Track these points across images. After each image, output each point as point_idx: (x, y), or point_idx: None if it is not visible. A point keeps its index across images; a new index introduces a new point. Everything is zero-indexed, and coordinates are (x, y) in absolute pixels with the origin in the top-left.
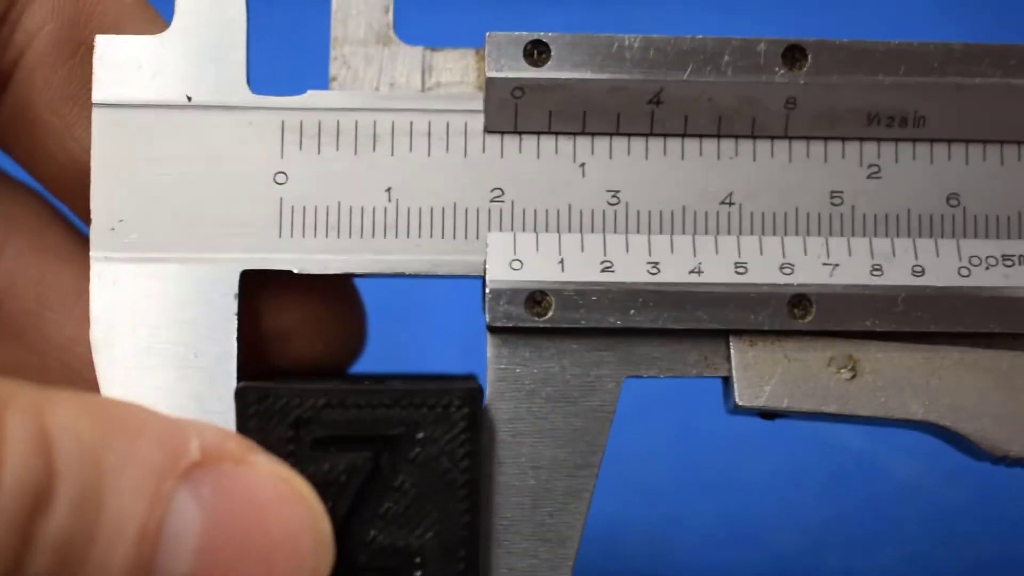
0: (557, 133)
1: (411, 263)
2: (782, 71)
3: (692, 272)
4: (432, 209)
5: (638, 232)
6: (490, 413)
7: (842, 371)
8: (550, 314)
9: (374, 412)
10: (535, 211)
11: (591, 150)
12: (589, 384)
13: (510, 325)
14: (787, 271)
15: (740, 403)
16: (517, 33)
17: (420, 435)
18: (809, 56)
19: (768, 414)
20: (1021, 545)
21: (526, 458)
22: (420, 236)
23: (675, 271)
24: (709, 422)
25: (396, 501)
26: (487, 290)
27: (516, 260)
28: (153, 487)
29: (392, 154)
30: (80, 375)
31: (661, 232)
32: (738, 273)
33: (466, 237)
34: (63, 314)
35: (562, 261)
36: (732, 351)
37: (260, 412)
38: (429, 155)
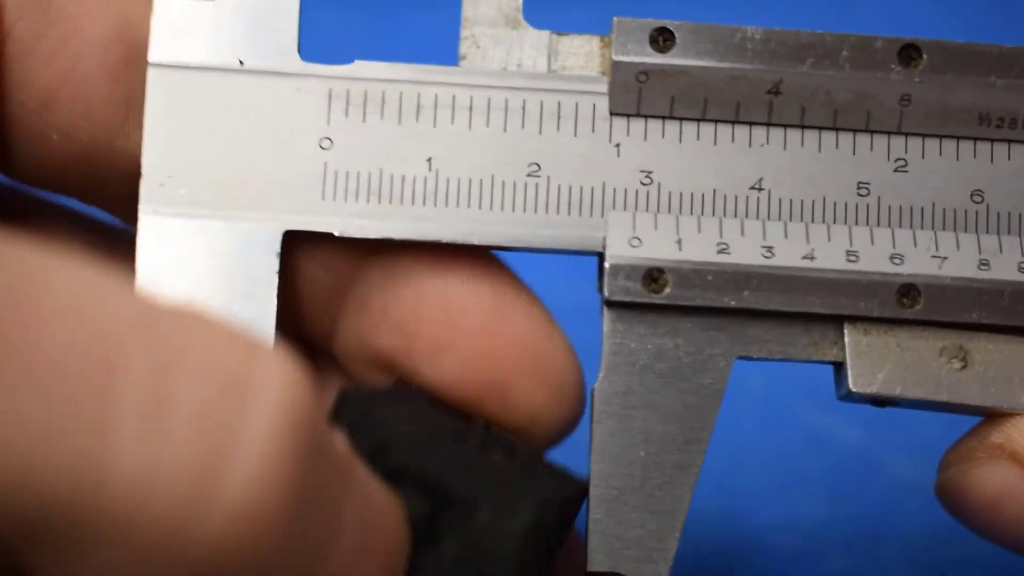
0: (680, 119)
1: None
2: (898, 68)
3: (805, 258)
4: (470, 180)
5: (746, 217)
6: (604, 387)
7: (953, 361)
8: (667, 291)
9: (452, 464)
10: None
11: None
12: (701, 362)
13: (628, 300)
14: (897, 261)
15: (854, 389)
16: (643, 20)
17: (481, 515)
18: (924, 55)
19: (879, 401)
20: None
21: (637, 431)
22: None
23: (789, 256)
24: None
25: (436, 563)
26: (607, 265)
27: (635, 238)
28: None
29: (434, 125)
30: None
31: (769, 219)
32: (849, 261)
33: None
34: None
35: (679, 241)
36: (847, 338)
37: (351, 421)
38: (470, 128)
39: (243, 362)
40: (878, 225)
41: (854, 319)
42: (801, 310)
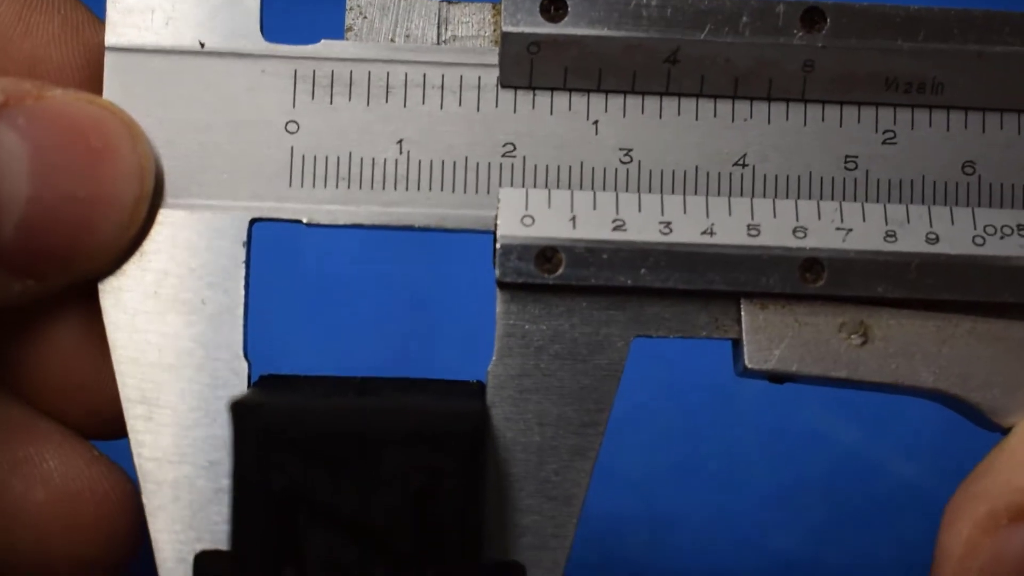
0: (571, 90)
1: (420, 216)
2: (800, 33)
3: (704, 233)
4: (443, 162)
5: (650, 192)
6: (497, 371)
7: (853, 337)
8: (560, 271)
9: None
10: (547, 167)
11: (605, 108)
12: (598, 342)
13: (520, 281)
14: (800, 235)
15: (749, 366)
16: None
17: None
18: (828, 19)
19: (777, 377)
20: None
21: (532, 414)
22: (430, 189)
23: (687, 231)
24: (708, 422)
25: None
26: (497, 245)
27: (528, 216)
28: None
29: (404, 106)
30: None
31: (673, 192)
32: (751, 235)
33: (477, 191)
34: None
35: (574, 218)
36: (743, 313)
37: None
38: (442, 108)
39: None
40: (764, 196)
41: (752, 294)
42: (700, 288)
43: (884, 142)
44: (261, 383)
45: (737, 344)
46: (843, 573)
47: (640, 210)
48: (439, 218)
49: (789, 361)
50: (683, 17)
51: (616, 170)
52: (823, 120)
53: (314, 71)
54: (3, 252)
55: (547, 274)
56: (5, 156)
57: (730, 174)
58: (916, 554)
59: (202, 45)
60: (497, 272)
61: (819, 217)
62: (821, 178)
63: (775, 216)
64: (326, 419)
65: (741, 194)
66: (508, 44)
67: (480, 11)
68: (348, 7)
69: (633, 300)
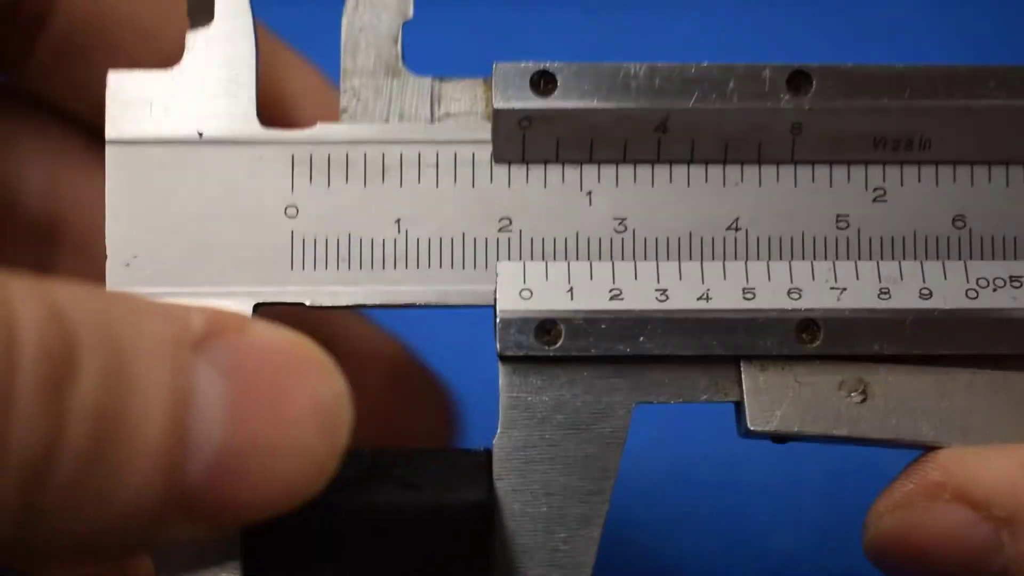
0: (564, 162)
1: (421, 294)
2: (787, 97)
3: (700, 298)
4: (441, 240)
5: (645, 259)
6: (502, 443)
7: (852, 395)
8: (560, 343)
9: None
10: (543, 240)
11: (598, 178)
12: (600, 411)
13: (521, 354)
14: (795, 296)
15: (752, 428)
16: (524, 63)
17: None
18: (814, 82)
19: (780, 437)
20: None
21: (539, 485)
22: (430, 267)
23: (683, 298)
24: (708, 423)
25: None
26: (497, 320)
27: (526, 289)
28: (173, 357)
29: (401, 185)
30: None
31: (668, 259)
32: (746, 299)
33: (475, 267)
34: None
35: (571, 290)
36: (743, 376)
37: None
38: (437, 186)
39: None
40: (758, 258)
41: (751, 357)
42: (699, 353)
43: (875, 200)
44: None
45: (739, 406)
46: (843, 573)
47: (636, 278)
48: (440, 295)
49: (791, 421)
50: (671, 86)
51: (611, 239)
52: (813, 181)
53: (311, 155)
54: (185, 498)
55: (547, 346)
56: (203, 396)
57: (723, 238)
58: None
59: (200, 134)
60: (498, 346)
61: (813, 277)
62: (814, 238)
63: (769, 279)
64: (336, 518)
65: (735, 258)
66: (500, 120)
67: (472, 87)
68: (343, 89)
69: (634, 367)
